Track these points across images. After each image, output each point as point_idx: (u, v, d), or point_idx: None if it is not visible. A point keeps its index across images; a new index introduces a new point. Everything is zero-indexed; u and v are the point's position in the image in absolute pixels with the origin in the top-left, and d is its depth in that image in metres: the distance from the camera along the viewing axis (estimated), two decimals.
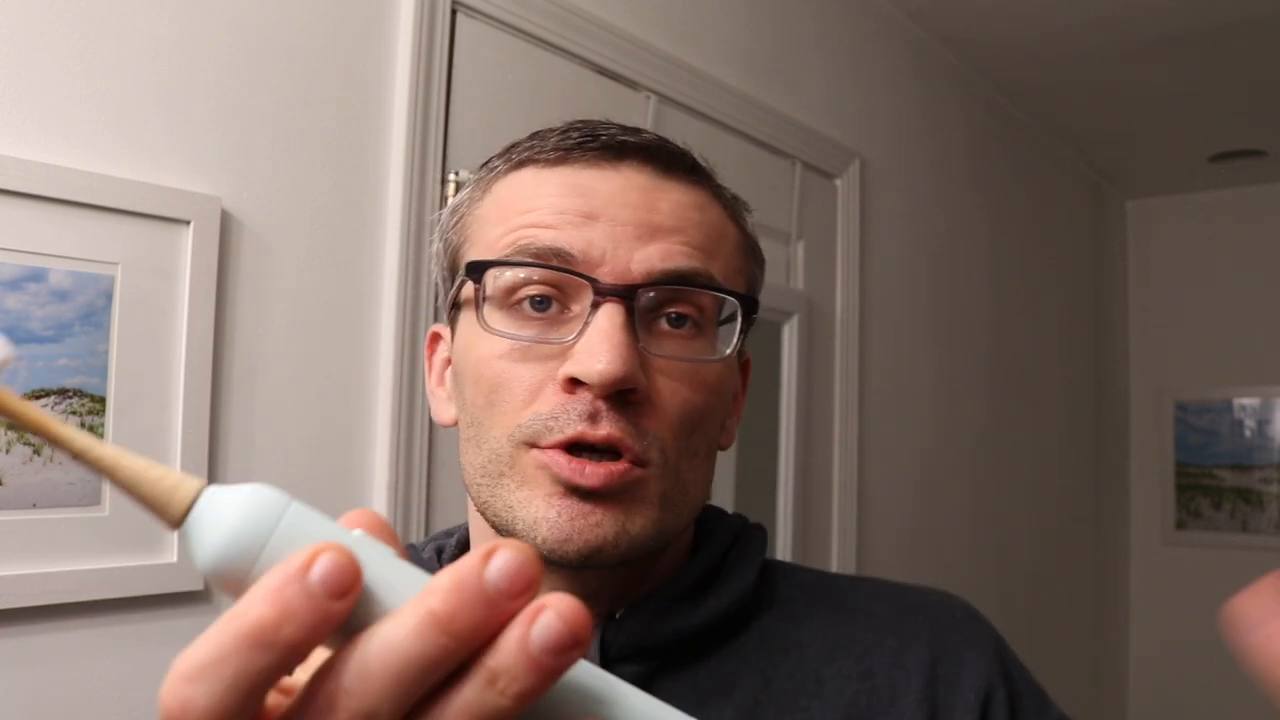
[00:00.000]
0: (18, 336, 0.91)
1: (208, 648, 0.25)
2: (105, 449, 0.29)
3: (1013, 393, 2.79)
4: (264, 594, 0.25)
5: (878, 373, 2.18)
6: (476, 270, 0.55)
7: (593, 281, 0.52)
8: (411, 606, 0.25)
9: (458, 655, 0.25)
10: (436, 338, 0.64)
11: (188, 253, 1.02)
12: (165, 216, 1.01)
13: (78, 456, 0.29)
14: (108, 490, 0.96)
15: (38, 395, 0.92)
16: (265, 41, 1.11)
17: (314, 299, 1.15)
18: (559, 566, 0.53)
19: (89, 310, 0.96)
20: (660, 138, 0.59)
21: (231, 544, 0.28)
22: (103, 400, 0.96)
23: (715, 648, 0.58)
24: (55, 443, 0.29)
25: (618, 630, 0.56)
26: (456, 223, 0.60)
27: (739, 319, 0.56)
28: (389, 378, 1.20)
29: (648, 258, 0.53)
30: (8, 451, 0.90)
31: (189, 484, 0.29)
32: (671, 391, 0.54)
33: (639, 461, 0.52)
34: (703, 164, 0.60)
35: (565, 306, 0.54)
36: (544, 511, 0.52)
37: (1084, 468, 3.31)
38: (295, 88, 1.14)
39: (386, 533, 0.29)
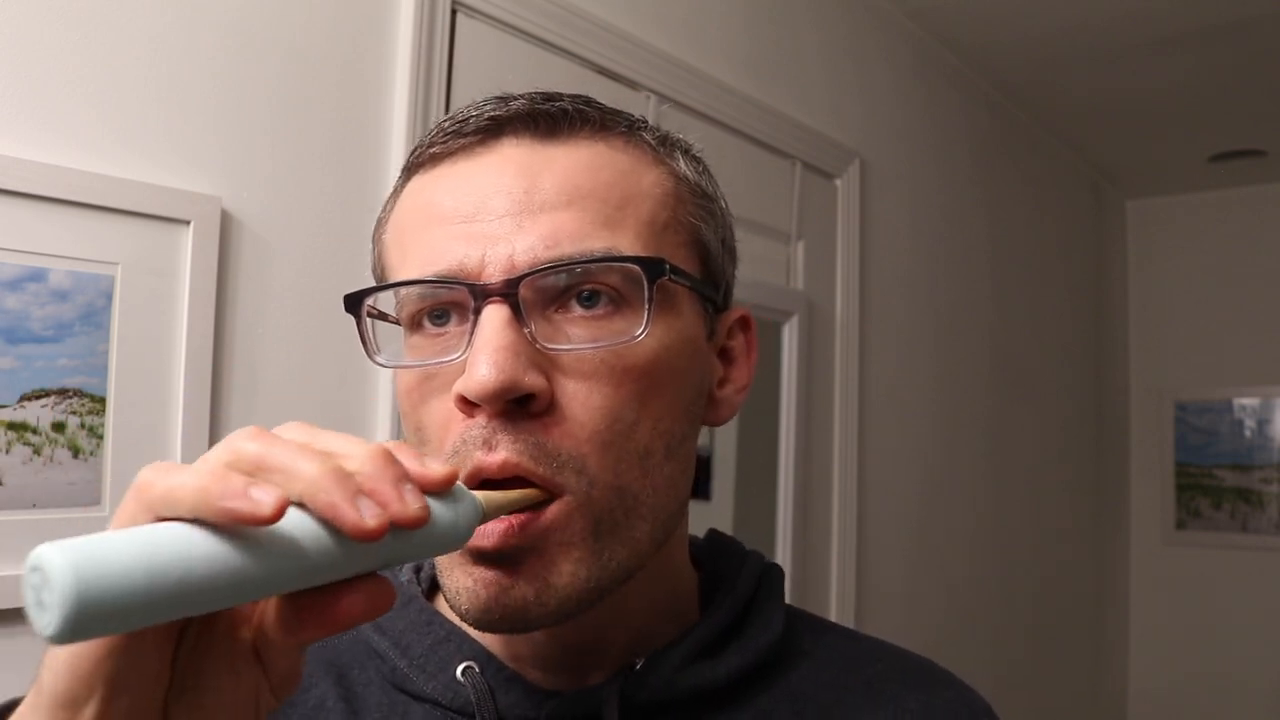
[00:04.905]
0: (18, 336, 0.91)
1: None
2: None
3: (1013, 392, 2.79)
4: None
5: (878, 373, 2.18)
6: (351, 306, 0.51)
7: (469, 287, 0.47)
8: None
9: None
10: None
11: (188, 253, 1.02)
12: (165, 216, 1.01)
13: None
14: (108, 490, 0.96)
15: (38, 395, 0.92)
16: (265, 41, 1.11)
17: (314, 299, 1.15)
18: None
19: (89, 310, 0.96)
20: (539, 97, 0.52)
21: None
22: (103, 400, 0.96)
23: (741, 699, 0.54)
24: None
25: (639, 684, 0.52)
26: (376, 255, 0.56)
27: (645, 288, 0.48)
28: (389, 378, 1.20)
29: (531, 247, 0.47)
30: (8, 451, 0.90)
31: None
32: (587, 394, 0.47)
33: (551, 489, 0.46)
34: (594, 112, 0.53)
35: (463, 318, 0.48)
36: (462, 580, 0.47)
37: (1084, 468, 3.30)
38: (295, 87, 1.14)
39: None
